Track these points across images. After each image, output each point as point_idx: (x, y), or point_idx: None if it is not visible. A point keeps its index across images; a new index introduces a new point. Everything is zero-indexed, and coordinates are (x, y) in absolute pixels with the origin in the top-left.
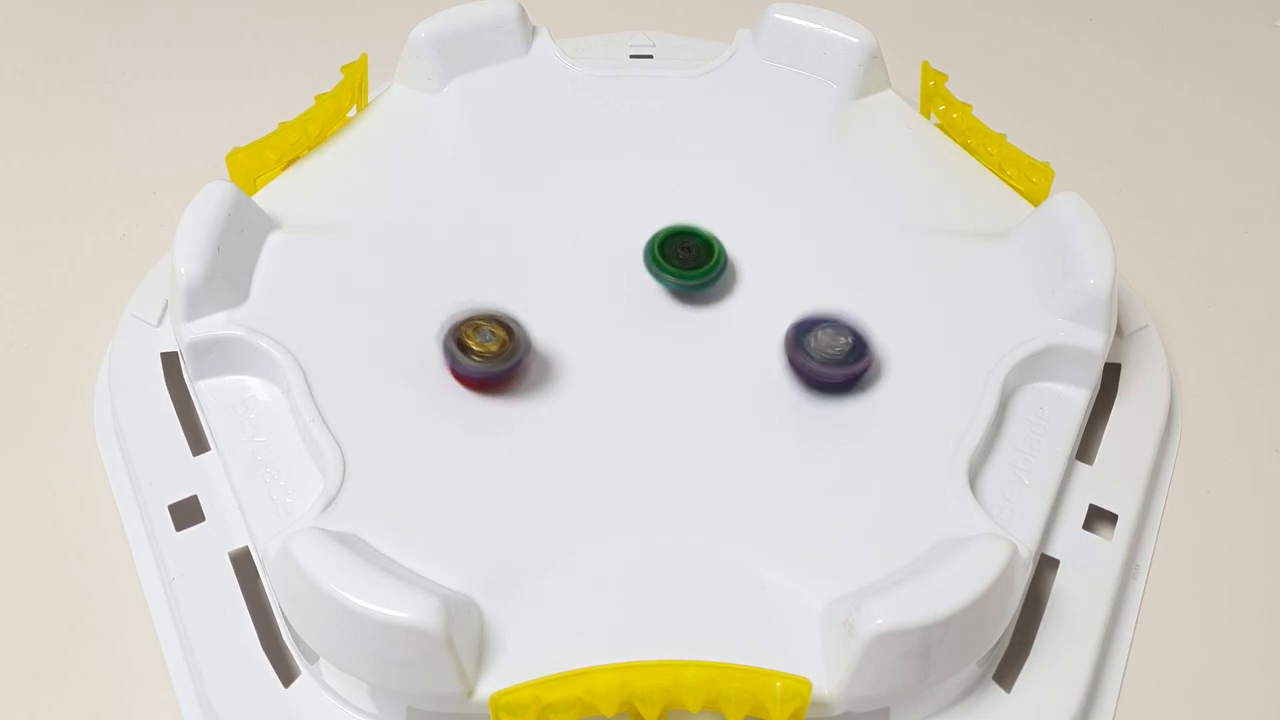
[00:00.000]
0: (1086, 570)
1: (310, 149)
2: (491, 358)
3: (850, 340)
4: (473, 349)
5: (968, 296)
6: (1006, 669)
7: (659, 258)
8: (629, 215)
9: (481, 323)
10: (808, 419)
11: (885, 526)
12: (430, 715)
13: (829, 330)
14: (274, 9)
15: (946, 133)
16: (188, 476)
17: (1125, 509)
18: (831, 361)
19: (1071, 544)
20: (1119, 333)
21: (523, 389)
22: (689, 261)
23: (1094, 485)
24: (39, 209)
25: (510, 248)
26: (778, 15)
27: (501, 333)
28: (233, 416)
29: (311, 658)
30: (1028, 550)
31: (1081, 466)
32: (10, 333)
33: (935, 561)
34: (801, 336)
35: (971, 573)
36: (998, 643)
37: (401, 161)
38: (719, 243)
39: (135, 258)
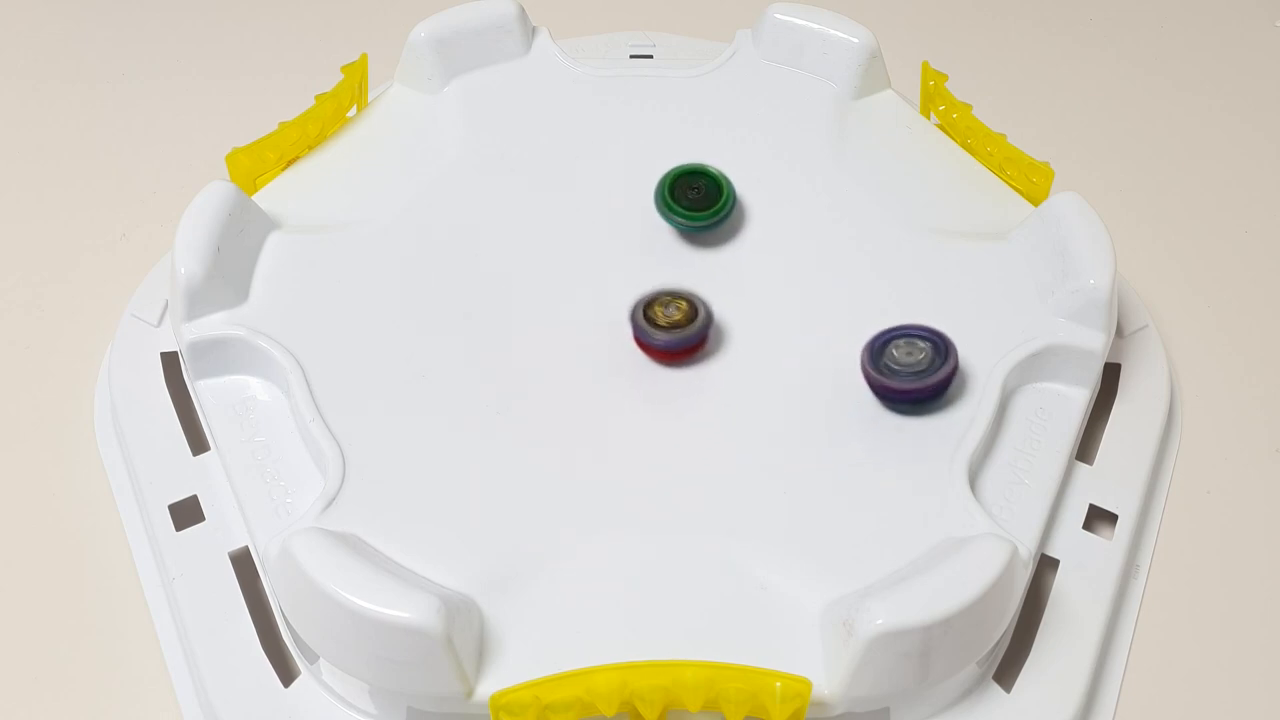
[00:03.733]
0: (1086, 570)
1: (310, 149)
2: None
3: (928, 349)
4: (659, 322)
5: (968, 296)
6: (1006, 669)
7: (669, 199)
8: (628, 214)
9: (668, 298)
10: (807, 419)
11: (885, 526)
12: (430, 715)
13: (903, 342)
14: (274, 9)
15: (946, 133)
16: (188, 476)
17: (1125, 509)
18: (911, 373)
19: (1071, 544)
20: (1119, 333)
21: (520, 389)
22: (699, 202)
23: (1094, 485)
24: (39, 209)
25: (510, 247)
26: (778, 15)
27: (685, 305)
28: (233, 416)
29: (311, 658)
30: (1028, 550)
31: (1081, 466)
32: (10, 333)
33: (935, 561)
34: (877, 354)
35: (971, 573)
36: (998, 643)
37: (401, 161)
38: (728, 181)
39: (135, 258)
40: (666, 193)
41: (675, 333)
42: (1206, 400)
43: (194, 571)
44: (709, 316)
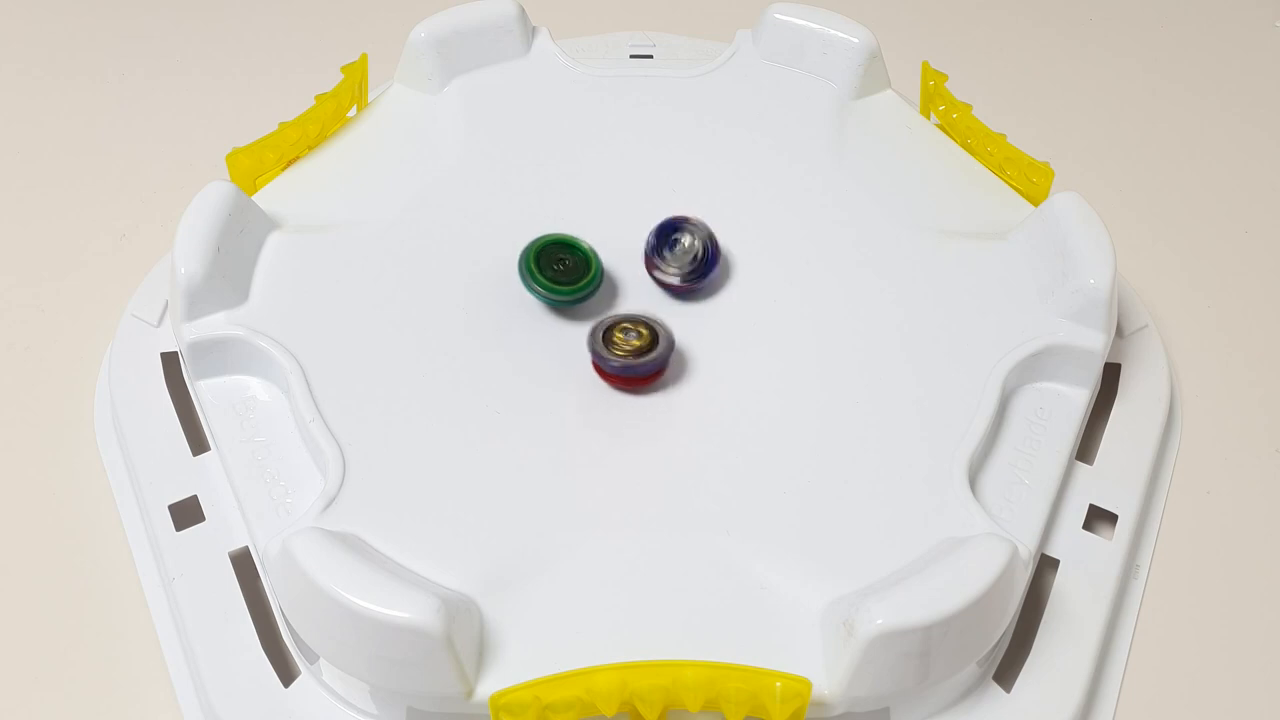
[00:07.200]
0: (1086, 570)
1: (310, 149)
2: (634, 354)
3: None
4: (617, 344)
5: (968, 296)
6: (1006, 669)
7: (533, 268)
8: (628, 215)
9: (628, 324)
10: (807, 418)
11: (885, 526)
12: (430, 715)
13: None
14: (274, 9)
15: (946, 133)
16: (188, 476)
17: (1125, 509)
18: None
19: (1071, 544)
20: (1119, 333)
21: (520, 388)
22: (563, 276)
23: (1094, 485)
24: (39, 209)
25: (509, 247)
26: (778, 15)
27: (646, 332)
28: (233, 416)
29: (311, 658)
30: (1028, 550)
31: (1081, 466)
32: (10, 333)
33: (935, 561)
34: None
35: (971, 573)
36: (998, 643)
37: (401, 161)
38: (596, 256)
39: (135, 258)
40: (531, 262)
41: (632, 360)
42: (1206, 400)
43: (194, 571)
44: (670, 343)
